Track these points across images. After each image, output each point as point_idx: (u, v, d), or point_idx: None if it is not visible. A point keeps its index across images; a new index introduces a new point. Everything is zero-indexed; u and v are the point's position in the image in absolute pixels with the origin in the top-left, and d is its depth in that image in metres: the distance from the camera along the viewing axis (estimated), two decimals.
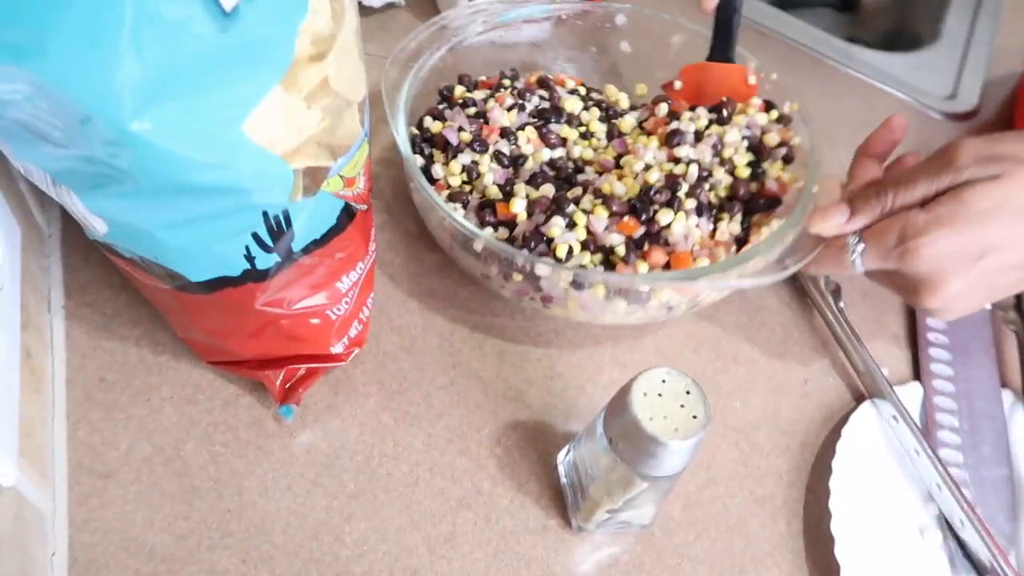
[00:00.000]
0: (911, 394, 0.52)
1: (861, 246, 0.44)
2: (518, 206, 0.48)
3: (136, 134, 0.28)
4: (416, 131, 0.53)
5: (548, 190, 0.49)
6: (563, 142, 0.53)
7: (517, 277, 0.46)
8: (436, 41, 0.54)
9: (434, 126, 0.53)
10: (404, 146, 0.48)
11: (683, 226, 0.47)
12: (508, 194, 0.49)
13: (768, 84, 0.55)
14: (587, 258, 0.46)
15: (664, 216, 0.46)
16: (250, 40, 0.30)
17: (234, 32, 0.29)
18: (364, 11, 0.65)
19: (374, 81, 0.62)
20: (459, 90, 0.55)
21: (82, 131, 0.29)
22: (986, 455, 0.51)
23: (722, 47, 0.56)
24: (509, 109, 0.53)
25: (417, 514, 0.43)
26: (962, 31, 0.82)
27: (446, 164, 0.51)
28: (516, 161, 0.51)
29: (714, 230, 0.48)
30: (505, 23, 0.57)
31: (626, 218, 0.47)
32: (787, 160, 0.52)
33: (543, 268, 0.44)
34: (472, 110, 0.53)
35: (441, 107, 0.54)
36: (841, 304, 0.55)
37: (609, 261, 0.47)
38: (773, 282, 0.46)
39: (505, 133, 0.52)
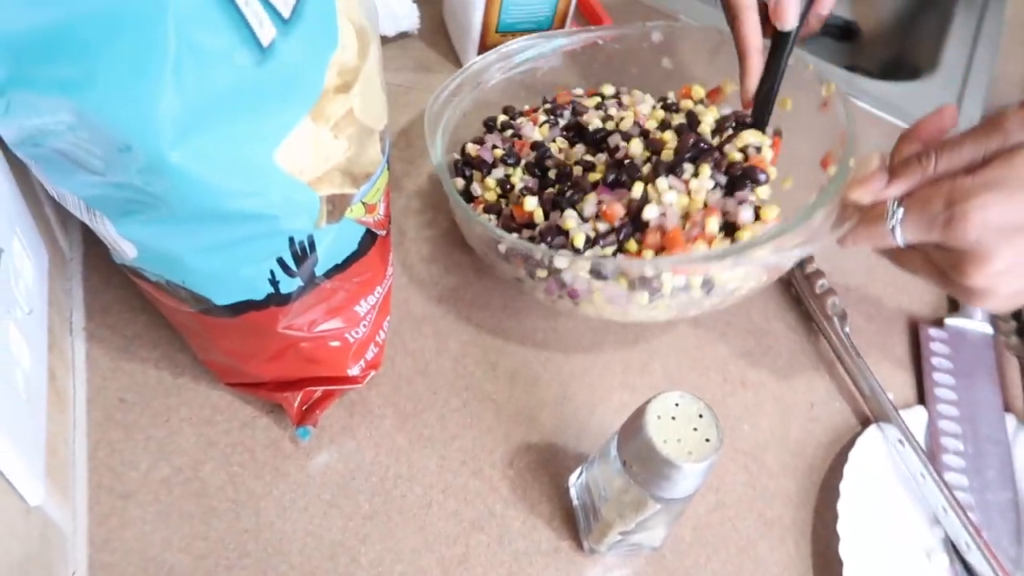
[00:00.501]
0: (916, 418, 0.53)
1: (901, 211, 0.40)
2: (530, 204, 0.49)
3: (173, 163, 0.29)
4: (459, 157, 0.56)
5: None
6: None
7: (542, 274, 0.47)
8: (477, 77, 0.57)
9: (472, 149, 0.55)
10: (437, 158, 0.51)
11: (656, 208, 0.47)
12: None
13: (806, 72, 0.54)
14: (609, 252, 0.48)
15: (635, 189, 0.48)
16: (284, 73, 0.31)
17: (269, 65, 0.30)
18: None
19: (389, 109, 0.63)
20: (501, 118, 0.58)
21: (120, 159, 0.30)
22: (991, 479, 0.52)
23: (757, 120, 0.54)
24: (541, 125, 0.55)
25: (431, 536, 0.44)
26: (961, 60, 0.83)
27: (482, 181, 0.53)
28: (545, 169, 0.53)
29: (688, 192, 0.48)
30: (535, 58, 0.59)
31: (604, 205, 0.48)
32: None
33: (561, 260, 0.45)
34: (509, 132, 0.56)
35: (484, 134, 0.57)
36: (847, 328, 0.56)
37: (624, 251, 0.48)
38: (801, 255, 0.43)
39: (537, 147, 0.54)
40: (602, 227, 0.48)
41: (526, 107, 0.59)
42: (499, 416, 0.49)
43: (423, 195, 0.59)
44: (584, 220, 0.48)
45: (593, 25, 0.73)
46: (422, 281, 0.54)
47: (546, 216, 0.50)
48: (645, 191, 0.48)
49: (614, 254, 0.48)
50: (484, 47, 0.65)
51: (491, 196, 0.52)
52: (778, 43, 0.51)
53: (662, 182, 0.47)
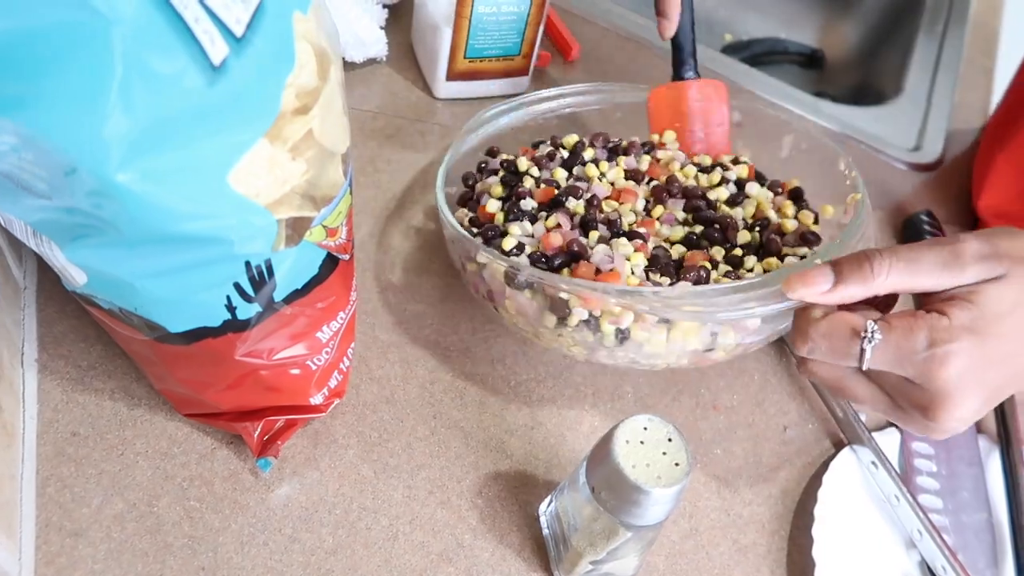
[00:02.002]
0: (889, 440, 0.53)
1: (879, 337, 0.37)
2: (492, 206, 0.51)
3: (121, 185, 0.28)
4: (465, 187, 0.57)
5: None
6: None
7: (472, 267, 0.48)
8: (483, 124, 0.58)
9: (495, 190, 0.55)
10: (440, 179, 0.52)
11: (603, 249, 0.47)
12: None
13: (848, 180, 0.55)
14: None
15: (591, 237, 0.49)
16: (237, 93, 0.30)
17: (222, 86, 0.29)
18: (346, 66, 0.66)
19: (354, 134, 0.63)
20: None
21: (67, 182, 0.29)
22: (965, 500, 0.51)
23: (676, 67, 0.60)
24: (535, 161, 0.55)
25: (397, 569, 0.42)
26: (924, 86, 0.85)
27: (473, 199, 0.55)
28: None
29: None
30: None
31: (551, 234, 0.48)
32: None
33: (483, 256, 0.46)
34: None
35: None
36: None
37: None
38: (728, 352, 0.43)
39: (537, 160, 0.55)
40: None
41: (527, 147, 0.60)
42: (467, 444, 0.48)
43: (391, 220, 0.58)
44: (531, 236, 0.49)
45: (563, 50, 0.74)
46: (388, 306, 0.53)
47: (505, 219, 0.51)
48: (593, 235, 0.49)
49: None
50: (452, 73, 0.65)
51: (497, 192, 0.53)
52: None
53: (624, 244, 0.48)
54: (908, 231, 0.68)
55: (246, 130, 0.31)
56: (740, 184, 0.55)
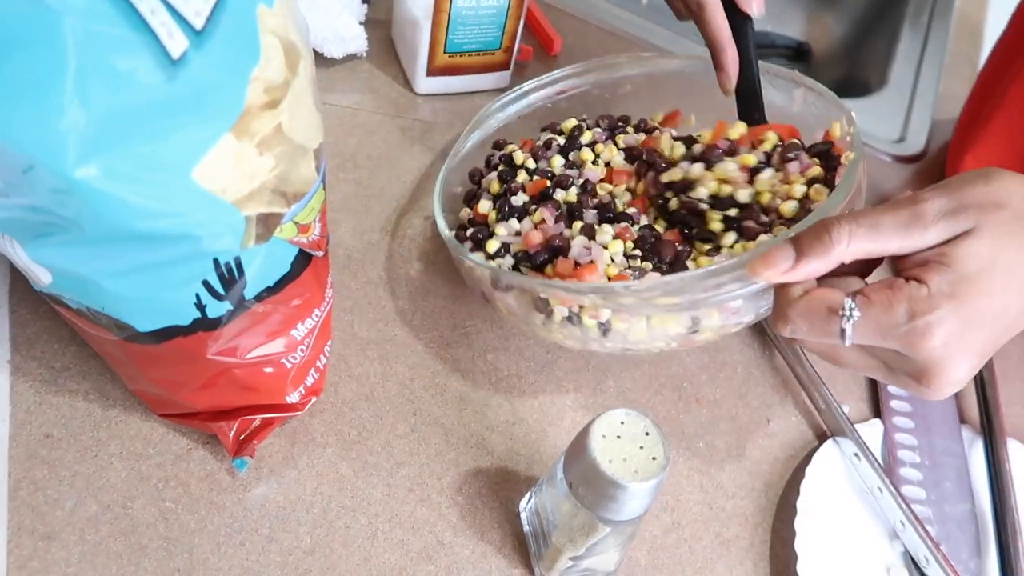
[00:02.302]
0: (872, 431, 0.52)
1: (857, 314, 0.36)
2: (484, 207, 0.51)
3: (80, 181, 0.28)
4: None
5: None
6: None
7: (465, 268, 0.48)
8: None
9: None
10: (438, 190, 0.53)
11: (580, 242, 0.47)
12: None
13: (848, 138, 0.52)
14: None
15: (574, 228, 0.48)
16: (199, 87, 0.30)
17: (182, 80, 0.29)
18: (326, 62, 0.66)
19: (334, 130, 0.62)
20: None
21: (24, 180, 0.28)
22: (948, 491, 0.51)
23: (748, 112, 0.54)
24: (532, 152, 0.55)
25: (376, 568, 0.42)
26: (908, 78, 0.85)
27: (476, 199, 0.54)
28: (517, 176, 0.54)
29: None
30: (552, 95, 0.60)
31: (531, 233, 0.48)
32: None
33: (468, 261, 0.46)
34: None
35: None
36: None
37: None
38: (712, 334, 0.42)
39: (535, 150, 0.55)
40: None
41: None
42: (448, 441, 0.47)
43: (370, 217, 0.58)
44: (518, 234, 0.49)
45: (545, 44, 0.73)
46: (368, 303, 0.53)
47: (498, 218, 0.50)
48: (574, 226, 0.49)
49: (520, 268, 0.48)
50: (432, 69, 0.64)
51: (495, 188, 0.53)
52: (739, 30, 0.52)
53: (606, 230, 0.48)
54: None
55: (210, 125, 0.31)
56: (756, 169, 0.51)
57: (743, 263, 0.39)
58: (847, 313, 0.36)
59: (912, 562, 0.48)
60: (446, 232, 0.49)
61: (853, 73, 0.96)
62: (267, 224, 0.36)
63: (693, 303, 0.42)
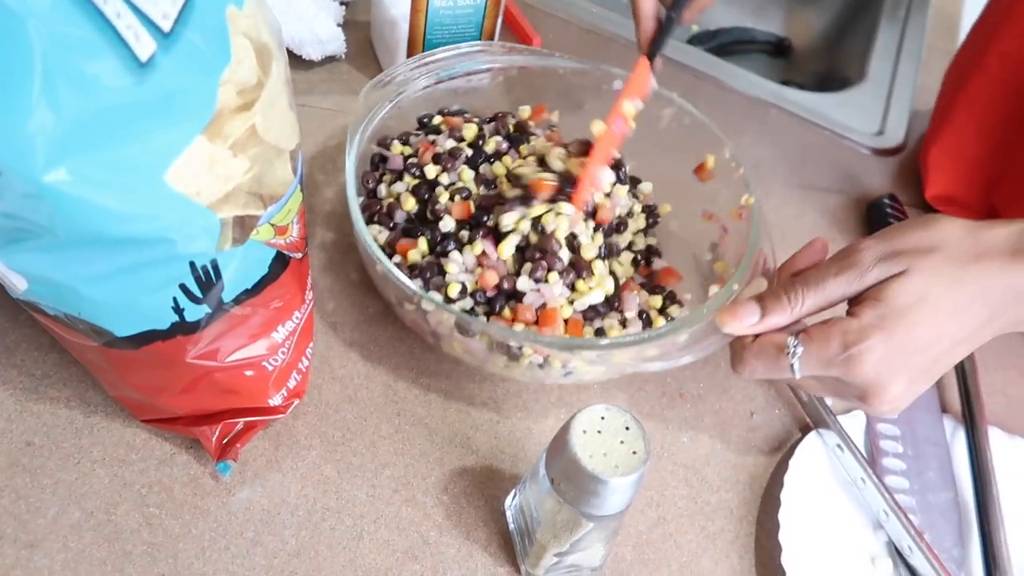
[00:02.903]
0: (854, 423, 0.53)
1: (800, 350, 0.42)
2: (415, 255, 0.48)
3: (50, 186, 0.27)
4: (376, 149, 0.54)
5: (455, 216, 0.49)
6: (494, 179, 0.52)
7: (410, 307, 0.45)
8: (397, 90, 0.54)
9: (395, 148, 0.53)
10: (350, 177, 0.48)
11: (528, 284, 0.46)
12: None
13: (736, 175, 0.54)
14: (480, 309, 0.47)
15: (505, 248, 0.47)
16: (169, 90, 0.29)
17: (151, 83, 0.29)
18: (305, 65, 0.66)
19: (315, 132, 0.62)
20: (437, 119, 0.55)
21: None
22: (931, 480, 0.52)
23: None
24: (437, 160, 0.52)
25: (362, 569, 0.42)
26: (886, 72, 0.85)
27: (389, 185, 0.51)
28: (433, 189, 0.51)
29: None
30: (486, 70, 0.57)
31: (486, 272, 0.47)
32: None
33: (428, 304, 0.43)
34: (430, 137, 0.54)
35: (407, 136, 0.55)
36: None
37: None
38: (662, 368, 0.44)
39: (440, 159, 0.52)
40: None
41: (449, 114, 0.56)
42: (432, 440, 0.47)
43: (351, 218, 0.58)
44: (467, 270, 0.47)
45: (522, 44, 0.73)
46: (351, 304, 0.53)
47: (431, 251, 0.48)
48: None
49: (486, 314, 0.47)
50: None
51: (409, 206, 0.50)
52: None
53: (554, 280, 0.47)
54: (872, 215, 0.68)
55: (181, 127, 0.31)
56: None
57: (713, 319, 0.44)
58: (792, 349, 0.42)
59: (896, 552, 0.48)
60: (394, 271, 0.43)
61: (832, 67, 0.96)
62: (243, 226, 0.36)
63: (648, 363, 0.44)
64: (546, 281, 0.47)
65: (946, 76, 0.73)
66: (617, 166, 0.53)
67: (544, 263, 0.47)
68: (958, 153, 0.67)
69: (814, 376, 0.43)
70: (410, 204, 0.50)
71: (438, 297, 0.46)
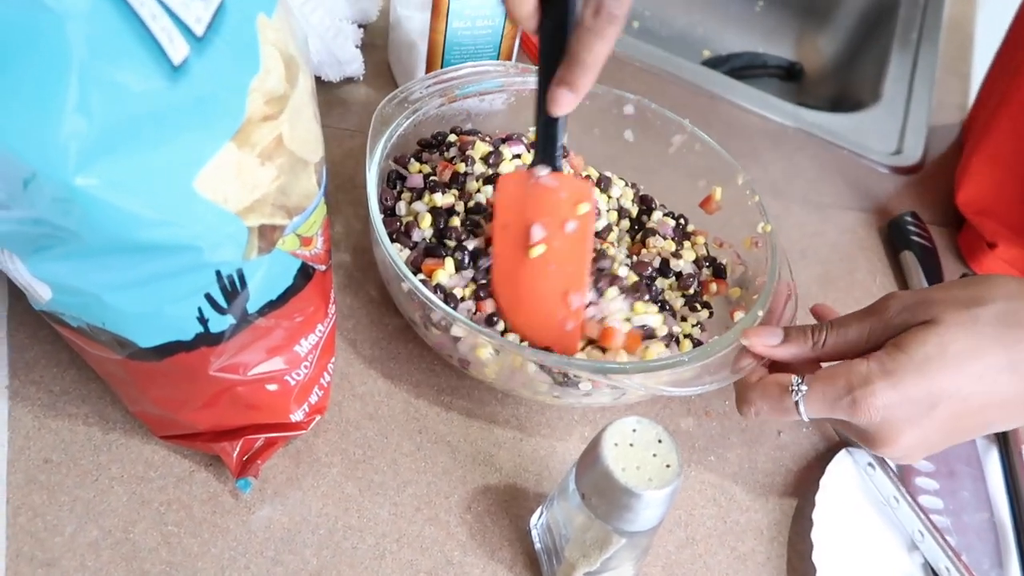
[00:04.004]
0: None
1: (804, 388, 0.41)
2: (448, 267, 0.47)
3: (81, 189, 0.27)
4: (393, 166, 0.54)
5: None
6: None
7: (436, 331, 0.45)
8: (413, 108, 0.54)
9: (413, 166, 0.54)
10: (372, 193, 0.47)
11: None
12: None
13: (751, 202, 0.54)
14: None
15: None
16: (200, 96, 0.29)
17: (184, 87, 0.29)
18: (323, 86, 0.66)
19: (332, 151, 0.62)
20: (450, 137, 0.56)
21: (24, 192, 0.28)
22: (966, 500, 0.50)
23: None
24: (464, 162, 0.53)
25: None
26: (901, 93, 0.85)
27: (409, 203, 0.51)
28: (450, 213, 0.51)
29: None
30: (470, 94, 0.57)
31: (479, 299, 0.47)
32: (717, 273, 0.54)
33: (458, 329, 0.43)
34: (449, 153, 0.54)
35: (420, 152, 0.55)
36: None
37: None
38: (688, 394, 0.45)
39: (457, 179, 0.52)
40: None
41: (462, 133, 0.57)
42: (455, 458, 0.47)
43: (371, 237, 0.57)
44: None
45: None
46: (370, 322, 0.52)
47: (457, 271, 0.47)
48: None
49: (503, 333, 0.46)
50: None
51: (426, 224, 0.49)
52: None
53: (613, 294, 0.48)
54: (893, 232, 0.68)
55: (211, 133, 0.30)
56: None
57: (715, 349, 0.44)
58: (796, 388, 0.42)
59: (932, 573, 0.47)
60: (434, 300, 0.42)
61: (845, 91, 0.97)
62: (269, 236, 0.36)
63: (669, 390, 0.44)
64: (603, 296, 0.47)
65: (984, 83, 0.72)
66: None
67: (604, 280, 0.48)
68: (996, 161, 0.66)
69: (825, 419, 0.43)
70: (427, 223, 0.49)
71: (496, 336, 0.44)
